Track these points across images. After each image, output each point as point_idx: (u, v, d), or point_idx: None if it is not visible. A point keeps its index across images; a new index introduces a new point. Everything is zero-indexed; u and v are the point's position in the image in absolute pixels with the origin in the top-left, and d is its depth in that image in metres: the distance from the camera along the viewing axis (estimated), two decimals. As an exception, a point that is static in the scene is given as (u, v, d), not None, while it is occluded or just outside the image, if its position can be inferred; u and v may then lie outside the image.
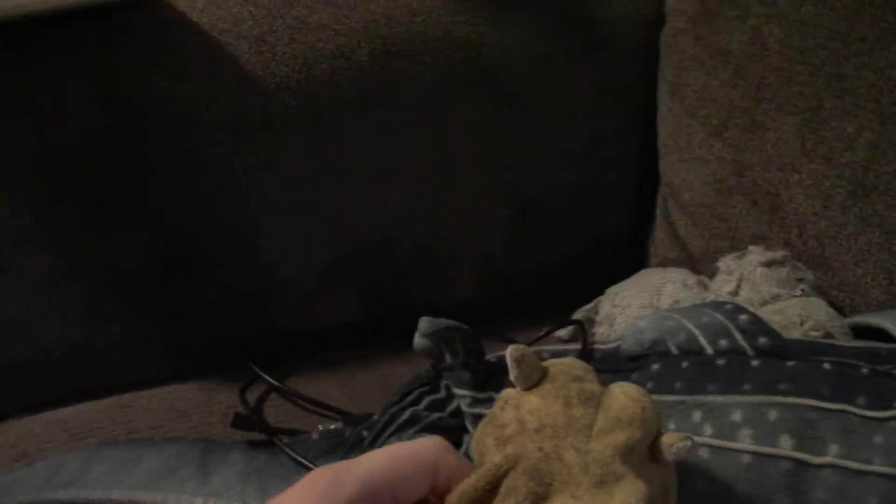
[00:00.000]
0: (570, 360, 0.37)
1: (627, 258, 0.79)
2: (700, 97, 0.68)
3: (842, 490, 0.38)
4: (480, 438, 0.35)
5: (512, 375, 0.35)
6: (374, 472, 0.31)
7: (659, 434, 0.34)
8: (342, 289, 0.69)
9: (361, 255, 0.69)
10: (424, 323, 0.48)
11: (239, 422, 0.53)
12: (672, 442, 0.33)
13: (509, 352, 0.35)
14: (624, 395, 0.34)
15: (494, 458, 0.32)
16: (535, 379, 0.35)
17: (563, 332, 0.65)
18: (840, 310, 0.59)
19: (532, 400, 0.34)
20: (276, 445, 0.52)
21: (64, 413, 0.58)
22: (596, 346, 0.54)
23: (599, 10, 0.72)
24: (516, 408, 0.34)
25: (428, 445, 0.32)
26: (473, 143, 0.70)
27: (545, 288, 0.76)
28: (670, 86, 0.71)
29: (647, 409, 0.34)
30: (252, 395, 0.60)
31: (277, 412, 0.59)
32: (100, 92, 0.59)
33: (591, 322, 0.67)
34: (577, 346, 0.55)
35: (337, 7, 0.64)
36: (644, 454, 0.33)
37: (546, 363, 0.36)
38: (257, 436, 0.54)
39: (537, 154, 0.73)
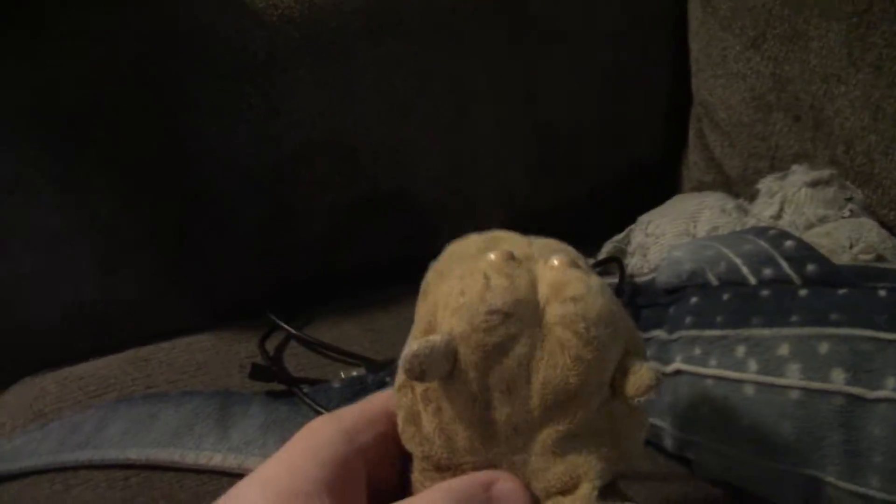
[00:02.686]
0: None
1: (660, 184, 0.75)
2: (734, 7, 0.63)
3: None
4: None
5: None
6: (381, 417, 0.30)
7: (626, 364, 0.28)
8: (360, 231, 0.66)
9: (378, 195, 0.66)
10: None
11: (257, 373, 0.51)
12: (636, 387, 0.27)
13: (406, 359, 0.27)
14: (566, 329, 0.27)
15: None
16: (445, 369, 0.28)
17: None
18: (893, 230, 0.55)
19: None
20: (297, 396, 0.50)
21: (80, 370, 0.57)
22: (631, 279, 0.51)
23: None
24: (437, 412, 0.28)
25: None
26: (491, 73, 0.66)
27: (574, 221, 0.73)
28: (702, -3, 0.67)
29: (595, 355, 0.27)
30: (271, 345, 0.58)
31: (298, 361, 0.56)
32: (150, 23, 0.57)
33: (623, 253, 0.63)
34: (612, 280, 0.52)
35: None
36: (602, 394, 0.28)
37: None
38: (277, 386, 0.52)
39: (560, 81, 0.69)
